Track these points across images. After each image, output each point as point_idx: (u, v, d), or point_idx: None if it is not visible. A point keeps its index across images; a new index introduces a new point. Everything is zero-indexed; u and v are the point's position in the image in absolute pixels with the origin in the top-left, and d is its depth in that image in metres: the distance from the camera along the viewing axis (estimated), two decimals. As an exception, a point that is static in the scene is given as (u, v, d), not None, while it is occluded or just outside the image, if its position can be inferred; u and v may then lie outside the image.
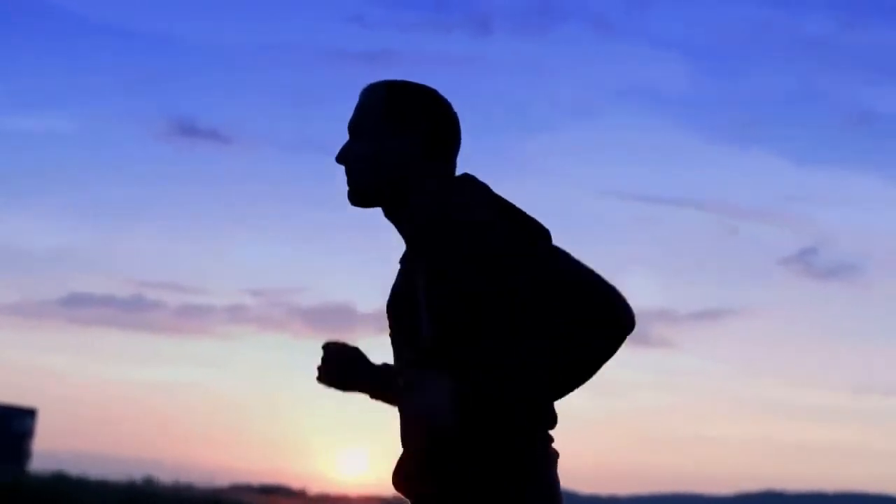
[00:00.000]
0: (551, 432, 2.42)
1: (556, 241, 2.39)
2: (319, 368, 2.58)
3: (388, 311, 2.54)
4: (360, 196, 2.51)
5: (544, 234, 2.39)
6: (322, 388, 2.58)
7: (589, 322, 2.28)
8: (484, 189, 2.46)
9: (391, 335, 2.54)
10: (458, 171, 2.53)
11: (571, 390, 2.34)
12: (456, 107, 2.54)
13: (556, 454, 2.41)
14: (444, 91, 2.53)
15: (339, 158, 2.52)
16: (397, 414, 2.50)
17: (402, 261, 2.55)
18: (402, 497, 2.49)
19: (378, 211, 2.54)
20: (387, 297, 2.56)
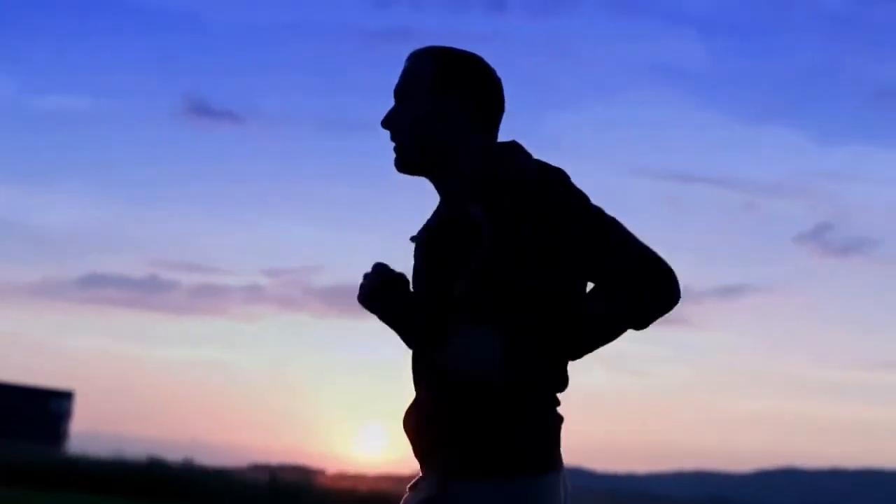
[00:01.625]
0: (559, 396, 2.45)
1: None
2: (362, 285, 2.52)
3: (417, 256, 2.54)
4: (408, 159, 2.52)
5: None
6: (366, 307, 2.53)
7: (640, 290, 2.33)
8: (529, 155, 2.47)
9: (415, 282, 2.52)
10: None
11: (598, 347, 2.40)
12: None
13: (561, 418, 2.44)
14: None
15: (385, 122, 2.53)
16: (411, 357, 2.51)
17: (429, 228, 2.54)
18: (416, 461, 2.51)
19: (396, 185, 2.59)
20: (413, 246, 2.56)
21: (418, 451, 2.49)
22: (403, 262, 2.57)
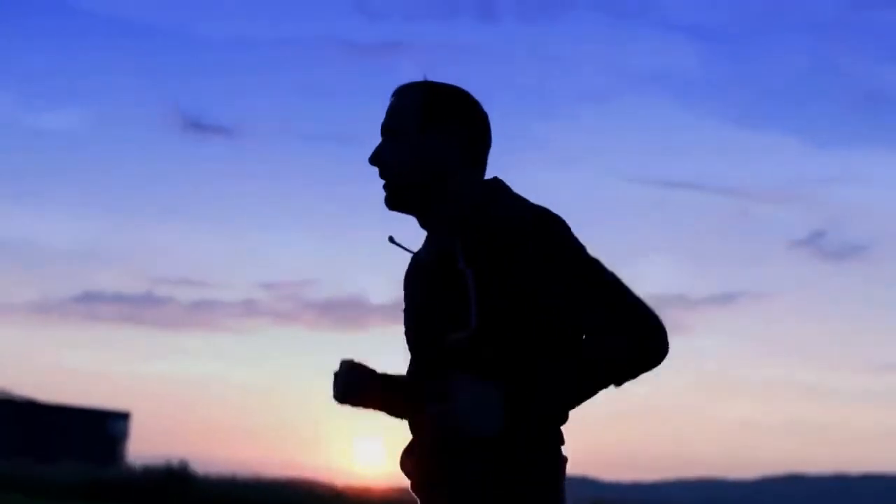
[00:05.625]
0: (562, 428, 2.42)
1: (572, 226, 2.39)
2: (335, 384, 2.54)
3: (406, 314, 2.53)
4: (398, 197, 2.48)
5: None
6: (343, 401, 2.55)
7: (626, 342, 2.29)
8: (518, 196, 2.45)
9: (408, 335, 2.52)
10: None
11: (589, 398, 2.37)
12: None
13: (565, 459, 2.40)
14: (454, 80, 2.54)
15: (374, 159, 2.48)
16: (408, 420, 2.49)
17: (419, 262, 2.53)
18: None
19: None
20: (402, 294, 2.56)
21: (416, 489, 2.46)
22: (396, 277, 2.56)
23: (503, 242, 2.33)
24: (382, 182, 2.48)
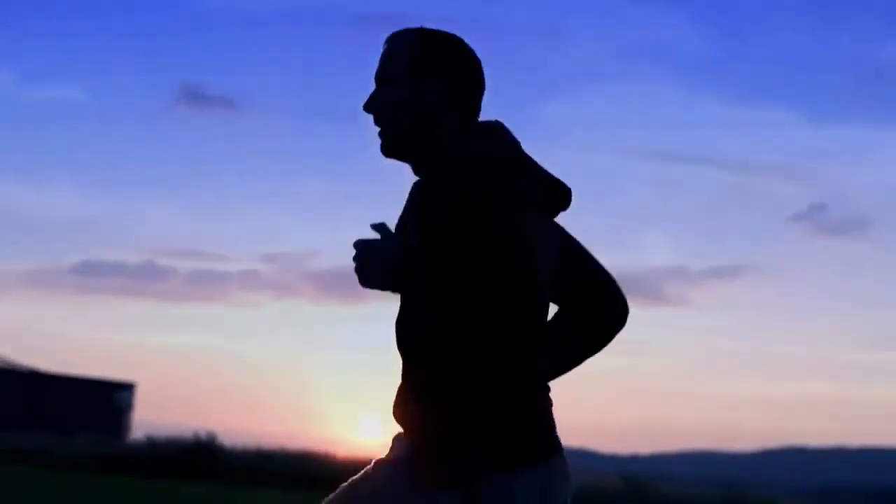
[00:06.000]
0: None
1: (573, 202, 2.44)
2: (355, 269, 2.43)
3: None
4: (393, 144, 2.48)
5: (564, 195, 2.44)
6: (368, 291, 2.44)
7: (590, 310, 2.44)
8: (507, 142, 2.44)
9: None
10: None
11: (563, 374, 2.47)
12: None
13: (551, 402, 2.40)
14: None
15: (367, 106, 2.50)
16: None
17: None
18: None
19: (392, 168, 2.51)
20: None
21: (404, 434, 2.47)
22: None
23: (419, 194, 2.35)
24: (377, 130, 2.49)
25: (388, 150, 2.49)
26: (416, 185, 2.39)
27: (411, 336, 2.38)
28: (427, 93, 2.45)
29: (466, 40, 2.50)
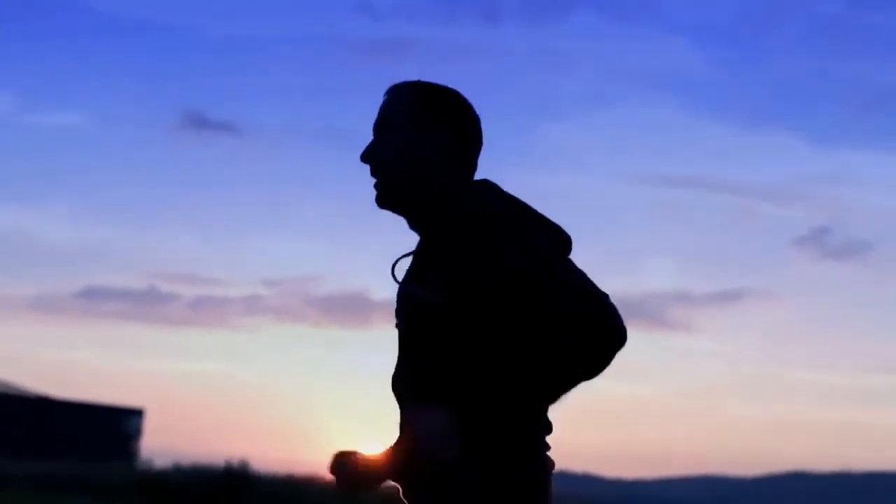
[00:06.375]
0: (547, 440, 2.40)
1: (576, 227, 2.41)
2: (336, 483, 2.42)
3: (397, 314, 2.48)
4: (390, 195, 2.46)
5: (565, 240, 2.41)
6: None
7: (586, 334, 2.26)
8: (504, 194, 2.41)
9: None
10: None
11: (557, 400, 2.34)
12: (470, 97, 2.52)
13: (552, 464, 2.38)
14: (456, 81, 2.53)
15: (365, 156, 2.47)
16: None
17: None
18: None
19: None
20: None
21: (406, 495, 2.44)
22: (399, 271, 2.49)
23: (444, 245, 2.34)
24: (374, 181, 2.48)
25: (385, 200, 2.47)
26: (427, 237, 2.41)
27: (412, 386, 2.36)
28: (428, 144, 2.43)
29: (468, 64, 2.83)
